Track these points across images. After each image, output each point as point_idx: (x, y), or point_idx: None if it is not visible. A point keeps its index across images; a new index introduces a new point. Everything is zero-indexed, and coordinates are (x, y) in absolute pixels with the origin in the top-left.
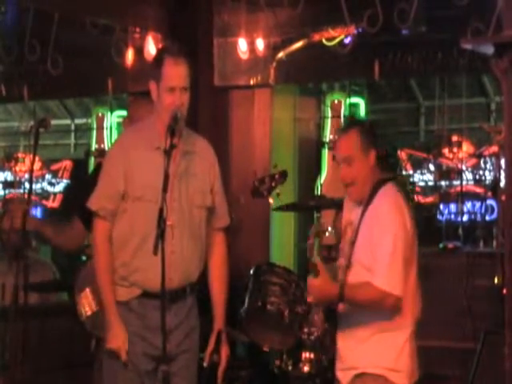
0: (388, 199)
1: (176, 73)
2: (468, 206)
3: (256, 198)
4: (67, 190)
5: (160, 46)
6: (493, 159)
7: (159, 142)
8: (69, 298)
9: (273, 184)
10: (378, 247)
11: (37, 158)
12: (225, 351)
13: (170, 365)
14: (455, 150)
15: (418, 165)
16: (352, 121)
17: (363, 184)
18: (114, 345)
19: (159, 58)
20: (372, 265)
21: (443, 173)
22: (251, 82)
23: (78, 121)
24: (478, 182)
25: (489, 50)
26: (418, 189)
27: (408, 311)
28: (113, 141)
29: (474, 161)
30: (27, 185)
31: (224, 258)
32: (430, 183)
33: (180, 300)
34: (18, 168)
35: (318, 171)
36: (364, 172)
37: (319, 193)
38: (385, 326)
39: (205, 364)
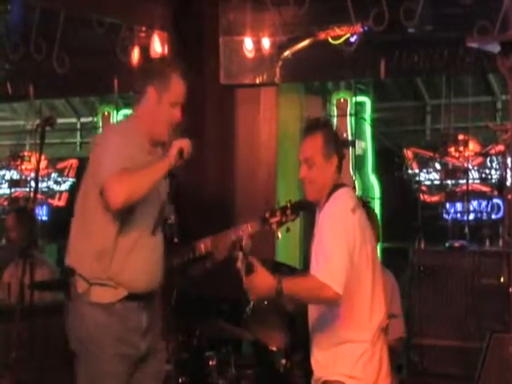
0: (335, 202)
1: (183, 90)
2: (474, 204)
3: (264, 227)
4: (73, 189)
5: (165, 51)
6: (499, 158)
7: (147, 144)
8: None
9: (283, 219)
10: (324, 246)
11: (43, 157)
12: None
13: (144, 364)
14: (461, 148)
15: (424, 164)
16: (317, 123)
17: (321, 187)
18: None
19: (165, 70)
20: None
21: (449, 171)
22: (257, 81)
23: (83, 119)
24: (484, 180)
25: (495, 48)
26: (423, 188)
27: (364, 323)
28: None
29: (480, 159)
30: (33, 183)
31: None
32: (436, 182)
33: (152, 300)
34: (23, 166)
35: None
36: (323, 176)
37: None
38: (342, 339)
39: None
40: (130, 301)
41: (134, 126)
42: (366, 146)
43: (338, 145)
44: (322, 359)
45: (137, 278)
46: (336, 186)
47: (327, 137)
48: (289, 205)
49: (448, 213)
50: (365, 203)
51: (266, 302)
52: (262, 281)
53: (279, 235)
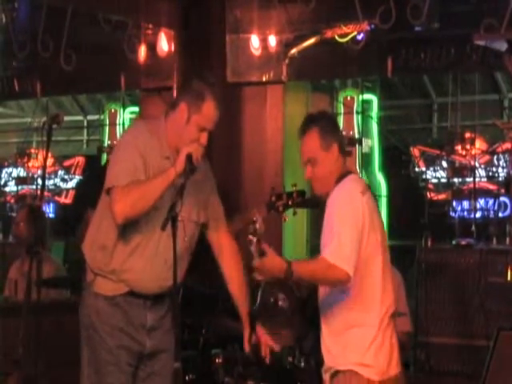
0: (341, 187)
1: (214, 117)
2: (481, 202)
3: (271, 212)
4: (80, 186)
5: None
6: (506, 156)
7: (169, 151)
8: (71, 295)
9: (289, 202)
10: (332, 227)
11: (49, 154)
12: (258, 328)
13: (151, 363)
14: (468, 146)
15: (431, 162)
16: (311, 118)
17: (328, 179)
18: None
19: (202, 93)
20: None
21: (456, 170)
22: (264, 79)
23: (90, 117)
24: (491, 178)
25: (502, 46)
26: (430, 186)
27: (374, 306)
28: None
29: (486, 157)
30: (40, 181)
31: (237, 258)
32: (443, 180)
33: (161, 301)
34: (30, 164)
35: None
36: (328, 168)
37: None
38: (352, 322)
39: (247, 349)
40: (134, 297)
41: (160, 131)
42: (373, 143)
43: (335, 131)
44: (332, 347)
45: (139, 279)
46: (343, 175)
47: (322, 128)
48: (294, 189)
49: (455, 211)
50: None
51: (272, 300)
52: (272, 262)
53: (286, 218)
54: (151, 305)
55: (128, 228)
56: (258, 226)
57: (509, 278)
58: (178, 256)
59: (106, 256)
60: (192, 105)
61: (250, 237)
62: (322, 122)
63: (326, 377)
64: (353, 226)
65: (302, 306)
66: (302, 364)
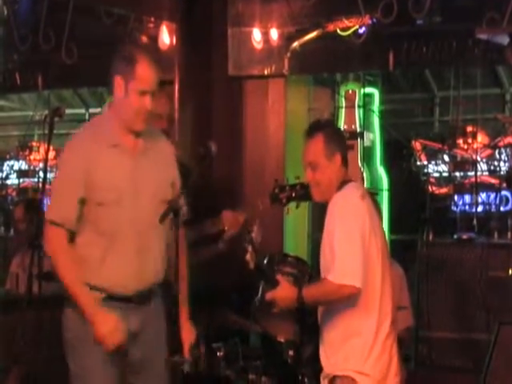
0: (341, 194)
1: (152, 77)
2: (483, 196)
3: (274, 204)
4: None
5: (173, 41)
6: (508, 150)
7: (118, 138)
8: None
9: (293, 194)
10: (334, 243)
11: (51, 147)
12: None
13: (142, 376)
14: (470, 140)
15: (433, 155)
16: (318, 125)
17: (327, 187)
18: (104, 329)
19: (131, 57)
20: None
21: (458, 163)
22: (265, 72)
23: (92, 110)
24: (493, 172)
25: (504, 40)
26: (432, 180)
27: (373, 312)
28: None
29: (488, 151)
30: (41, 174)
31: (186, 255)
32: (445, 174)
33: (146, 302)
34: (32, 157)
35: None
36: (328, 176)
37: None
38: (351, 331)
39: (186, 367)
40: (113, 301)
41: (104, 121)
42: (375, 137)
43: (339, 141)
44: (331, 356)
45: (115, 280)
46: (343, 183)
47: (328, 137)
48: (298, 181)
49: (456, 205)
50: (370, 195)
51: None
52: (284, 293)
53: (289, 210)
54: (134, 307)
55: (89, 238)
56: (254, 234)
57: (510, 273)
58: (150, 244)
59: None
60: (124, 73)
61: (246, 245)
62: (329, 131)
63: (325, 382)
64: (356, 234)
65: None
66: (303, 358)
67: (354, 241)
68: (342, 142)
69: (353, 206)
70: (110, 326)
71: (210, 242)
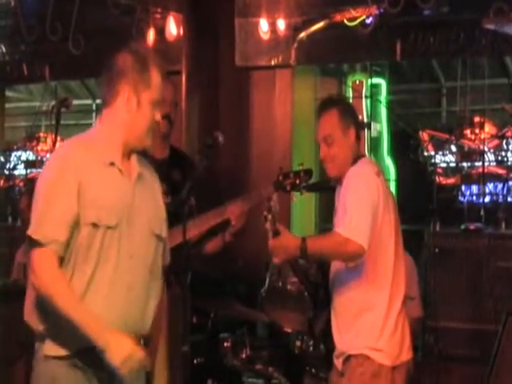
0: (357, 168)
1: (161, 85)
2: (490, 187)
3: (278, 191)
4: None
5: (180, 32)
6: None
7: (113, 156)
8: None
9: (297, 181)
10: (347, 203)
11: (58, 138)
12: None
13: None
14: (477, 131)
15: (440, 146)
16: (331, 100)
17: (343, 162)
18: (124, 353)
19: (145, 62)
20: None
21: (465, 154)
22: (272, 63)
23: (99, 101)
24: (500, 163)
25: (511, 30)
26: (439, 170)
27: (385, 286)
28: None
29: (496, 142)
30: None
31: (163, 308)
32: (452, 164)
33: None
34: (39, 148)
35: None
36: (343, 150)
37: None
38: (364, 305)
39: None
40: (93, 353)
41: (95, 139)
42: (382, 128)
43: (353, 116)
44: (345, 332)
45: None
46: (356, 158)
47: (342, 110)
48: (301, 167)
49: (464, 195)
50: None
51: (280, 284)
52: (287, 241)
53: (295, 199)
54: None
55: (74, 260)
56: (273, 203)
57: None
58: (140, 282)
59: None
60: (137, 82)
61: (265, 213)
62: (343, 105)
63: (339, 362)
64: (368, 203)
65: (315, 291)
66: (311, 348)
67: (365, 207)
68: (355, 116)
69: (367, 179)
70: (128, 347)
71: (215, 235)
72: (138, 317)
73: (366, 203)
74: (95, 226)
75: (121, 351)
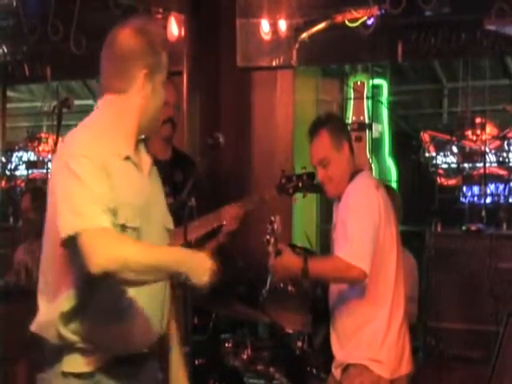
0: (356, 184)
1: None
2: (491, 188)
3: (280, 194)
4: None
5: (181, 33)
6: None
7: (127, 149)
8: None
9: (299, 184)
10: (347, 229)
11: (60, 138)
12: None
13: None
14: (478, 131)
15: (441, 147)
16: (319, 121)
17: (340, 179)
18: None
19: (157, 42)
20: None
21: (466, 155)
22: (273, 64)
23: None
24: (502, 164)
25: None
26: (440, 171)
27: (386, 300)
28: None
29: (497, 143)
30: (50, 165)
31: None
32: (453, 165)
33: (150, 360)
34: (41, 148)
35: None
36: (340, 168)
37: None
38: (364, 318)
39: None
40: (116, 367)
41: (107, 130)
42: (383, 129)
43: (343, 130)
44: (345, 344)
45: (121, 336)
46: (354, 174)
47: (332, 129)
48: (304, 171)
49: (465, 196)
50: (387, 186)
51: (281, 285)
52: (288, 261)
53: (297, 200)
54: (138, 371)
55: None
56: (276, 226)
57: None
58: (159, 290)
59: (82, 320)
60: (153, 67)
61: (268, 237)
62: (330, 124)
63: (337, 372)
64: (369, 224)
65: (305, 296)
66: (311, 349)
67: (366, 229)
68: (345, 129)
69: (367, 196)
70: (207, 262)
71: (211, 236)
72: (160, 316)
73: (367, 224)
74: (123, 227)
75: (205, 268)
